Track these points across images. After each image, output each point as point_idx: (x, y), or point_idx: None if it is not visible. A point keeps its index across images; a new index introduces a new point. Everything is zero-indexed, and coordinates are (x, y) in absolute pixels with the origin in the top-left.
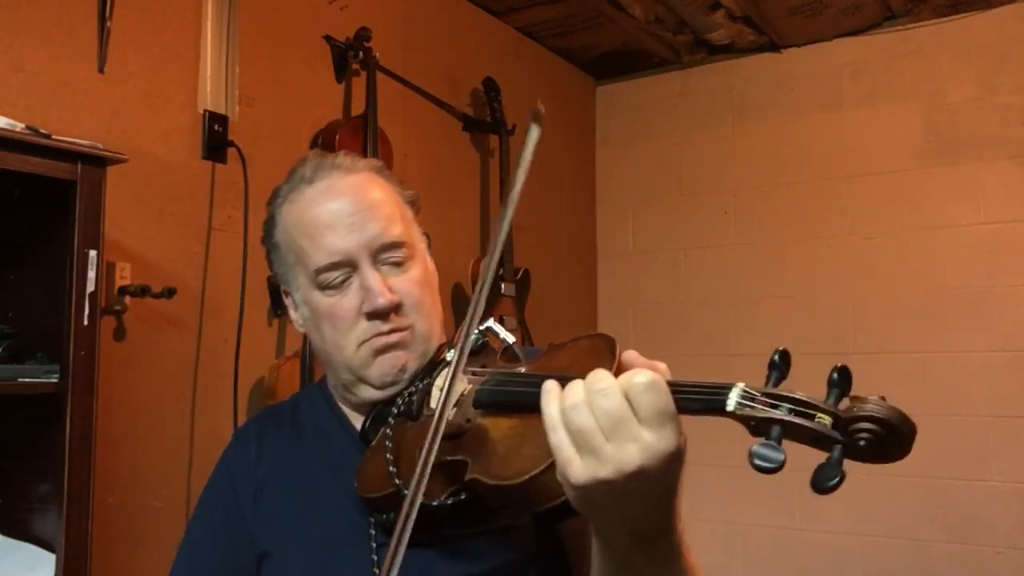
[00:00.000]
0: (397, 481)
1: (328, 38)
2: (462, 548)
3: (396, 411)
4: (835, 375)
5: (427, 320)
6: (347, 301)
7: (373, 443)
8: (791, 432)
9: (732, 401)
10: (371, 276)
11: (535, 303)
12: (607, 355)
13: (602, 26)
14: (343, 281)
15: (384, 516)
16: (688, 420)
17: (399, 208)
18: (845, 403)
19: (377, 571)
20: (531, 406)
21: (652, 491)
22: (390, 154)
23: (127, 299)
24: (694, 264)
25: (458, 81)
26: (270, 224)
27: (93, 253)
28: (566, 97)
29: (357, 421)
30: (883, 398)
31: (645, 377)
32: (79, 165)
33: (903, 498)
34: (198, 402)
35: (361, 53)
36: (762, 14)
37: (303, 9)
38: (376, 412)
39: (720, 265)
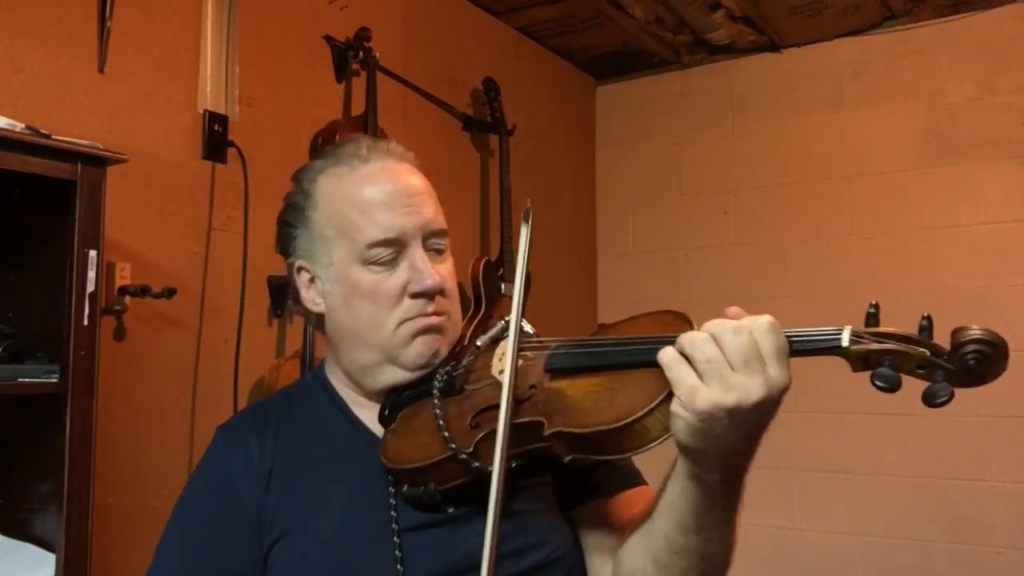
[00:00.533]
0: (452, 446)
1: (328, 38)
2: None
3: (438, 387)
4: (924, 322)
5: (457, 311)
6: (393, 279)
7: (401, 419)
8: (900, 360)
9: (846, 338)
10: (424, 258)
11: (535, 303)
12: (686, 324)
13: (602, 26)
14: (392, 259)
15: (422, 488)
16: None
17: (436, 200)
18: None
19: (398, 542)
20: (618, 364)
21: (758, 424)
22: None
23: (127, 299)
24: (694, 264)
25: (458, 81)
26: (300, 198)
27: (93, 253)
28: (566, 97)
29: (360, 409)
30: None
31: (768, 320)
32: (79, 165)
33: (903, 498)
34: (198, 402)
35: (361, 53)
36: (762, 14)
37: (303, 9)
38: (396, 397)
39: (720, 265)
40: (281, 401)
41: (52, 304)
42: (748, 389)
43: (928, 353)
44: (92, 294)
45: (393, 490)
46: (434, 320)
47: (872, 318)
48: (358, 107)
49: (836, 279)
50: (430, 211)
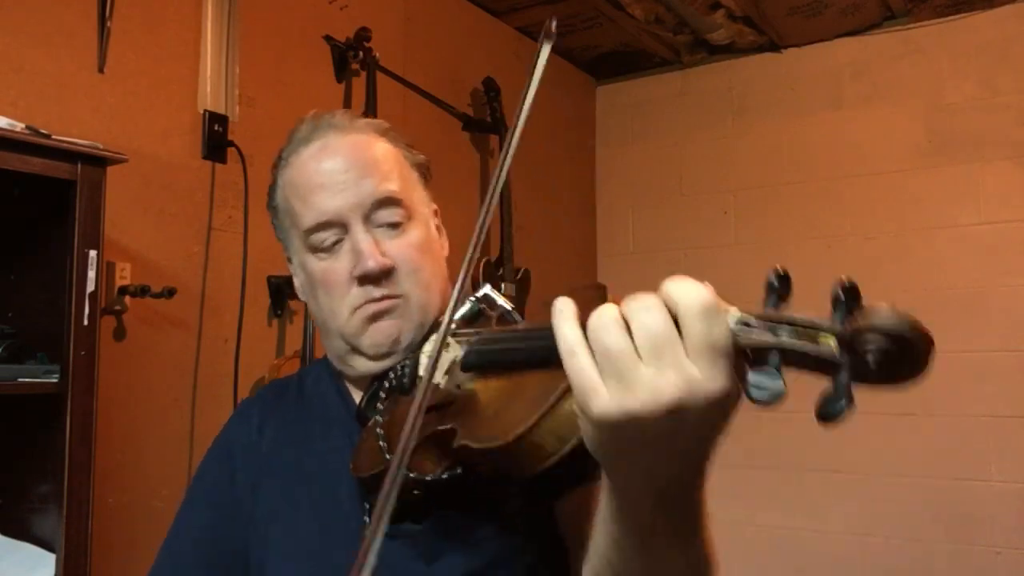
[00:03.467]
0: (387, 456)
1: (328, 38)
2: (453, 534)
3: (388, 385)
4: (840, 292)
5: (424, 289)
6: (339, 264)
7: (365, 429)
8: (792, 358)
9: (731, 321)
10: (362, 238)
11: (535, 303)
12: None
13: (602, 26)
14: (334, 243)
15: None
16: None
17: (400, 167)
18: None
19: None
20: (522, 361)
21: (686, 437)
22: None
23: (127, 299)
24: (694, 264)
25: (458, 81)
26: (272, 188)
27: (93, 253)
28: (566, 97)
29: (359, 396)
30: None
31: (701, 298)
32: (79, 165)
33: (903, 498)
34: (198, 402)
35: (361, 53)
36: (762, 14)
37: (303, 9)
38: (372, 390)
39: (720, 265)
40: (296, 382)
41: (52, 304)
42: (657, 389)
43: (833, 345)
44: (92, 294)
45: (367, 503)
46: (384, 304)
47: (775, 292)
48: (358, 107)
49: (836, 279)
50: (371, 182)
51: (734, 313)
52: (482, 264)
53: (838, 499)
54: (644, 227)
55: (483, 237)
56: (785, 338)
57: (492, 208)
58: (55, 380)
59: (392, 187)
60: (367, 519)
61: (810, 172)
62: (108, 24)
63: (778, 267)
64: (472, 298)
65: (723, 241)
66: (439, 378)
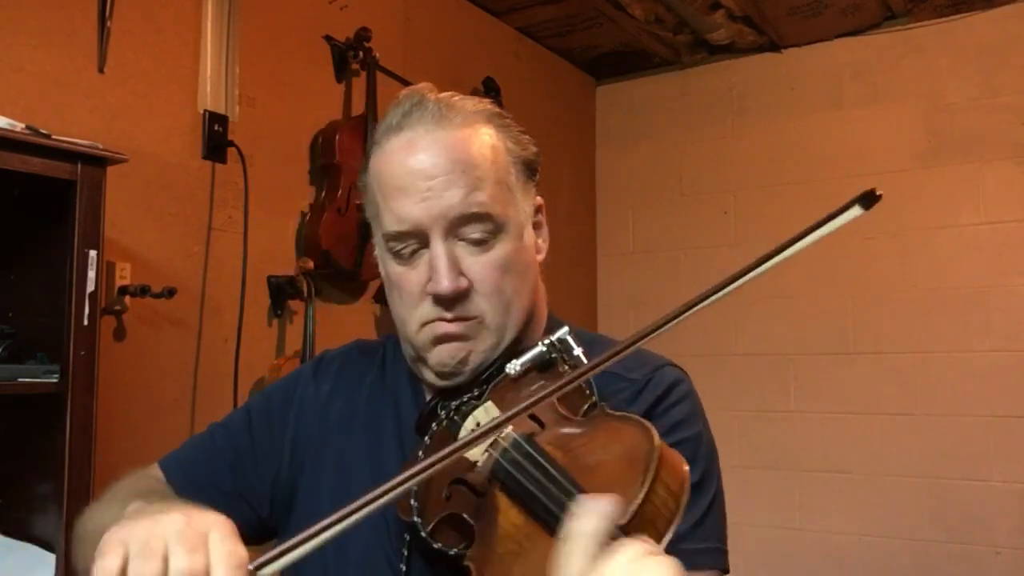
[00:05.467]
0: (415, 519)
1: (328, 38)
2: None
3: (436, 426)
4: None
5: (503, 311)
6: (415, 275)
7: (414, 449)
8: None
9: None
10: (440, 254)
11: None
12: (639, 470)
13: (602, 26)
14: (413, 252)
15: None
16: None
17: (498, 171)
18: None
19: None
20: (539, 515)
21: None
22: None
23: (127, 299)
24: (694, 264)
25: (458, 81)
26: (364, 162)
27: (93, 253)
28: (566, 97)
29: (430, 392)
30: None
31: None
32: (79, 165)
33: (903, 498)
34: (198, 402)
35: (361, 53)
36: (762, 14)
37: (303, 9)
38: (431, 406)
39: (720, 265)
40: (381, 353)
41: (52, 304)
42: None
43: None
44: (92, 294)
45: (408, 536)
46: (454, 328)
47: None
48: (358, 107)
49: (836, 279)
50: (454, 194)
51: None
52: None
53: (838, 499)
54: (644, 227)
55: None
56: None
57: None
58: (55, 380)
59: (481, 199)
60: (403, 567)
61: (810, 172)
62: (108, 24)
63: None
64: (546, 343)
65: (723, 241)
66: (479, 454)
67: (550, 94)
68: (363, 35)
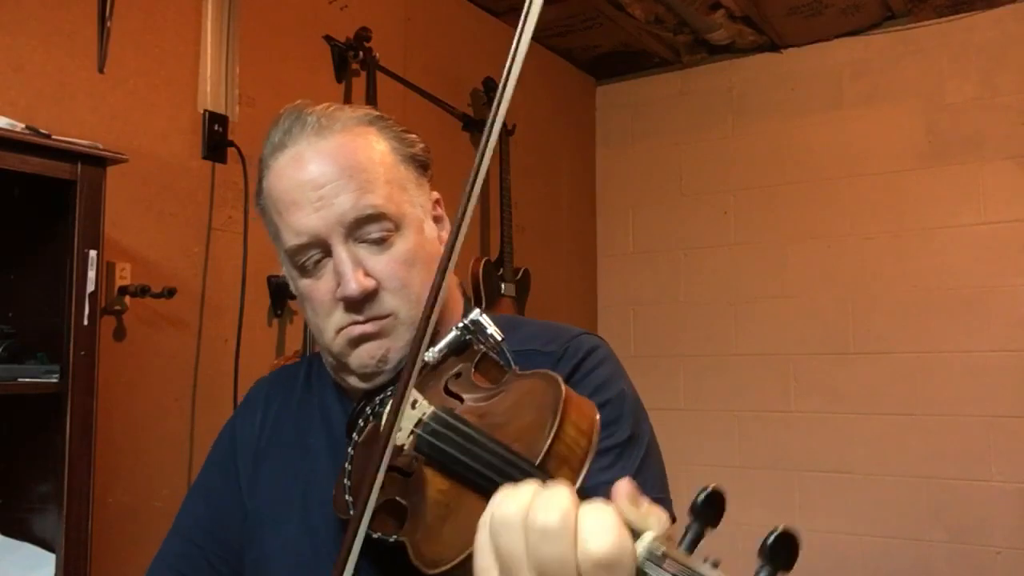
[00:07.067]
0: (350, 512)
1: (328, 38)
2: None
3: (363, 423)
4: (771, 547)
5: (414, 303)
6: (323, 284)
7: (347, 451)
8: None
9: (640, 549)
10: (343, 259)
11: (535, 303)
12: (548, 414)
13: (602, 26)
14: (317, 262)
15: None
16: (684, 415)
17: (387, 170)
18: None
19: None
20: (462, 476)
21: None
22: None
23: (127, 299)
24: (694, 264)
25: (458, 81)
26: (258, 187)
27: (93, 253)
28: (566, 97)
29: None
30: None
31: (607, 547)
32: (79, 165)
33: (903, 498)
34: (198, 402)
35: (361, 53)
36: (762, 14)
37: (303, 9)
38: (359, 408)
39: (720, 265)
40: (304, 370)
41: (52, 304)
42: None
43: None
44: (92, 294)
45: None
46: (369, 328)
47: (700, 520)
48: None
49: (836, 279)
50: (345, 198)
51: (643, 548)
52: (482, 264)
53: (838, 499)
54: (644, 227)
55: (457, 247)
56: None
57: (471, 205)
58: (55, 380)
59: (374, 200)
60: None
61: (810, 172)
62: (108, 24)
63: (710, 487)
64: (459, 326)
65: (723, 241)
66: (404, 437)
67: (550, 94)
68: (363, 35)
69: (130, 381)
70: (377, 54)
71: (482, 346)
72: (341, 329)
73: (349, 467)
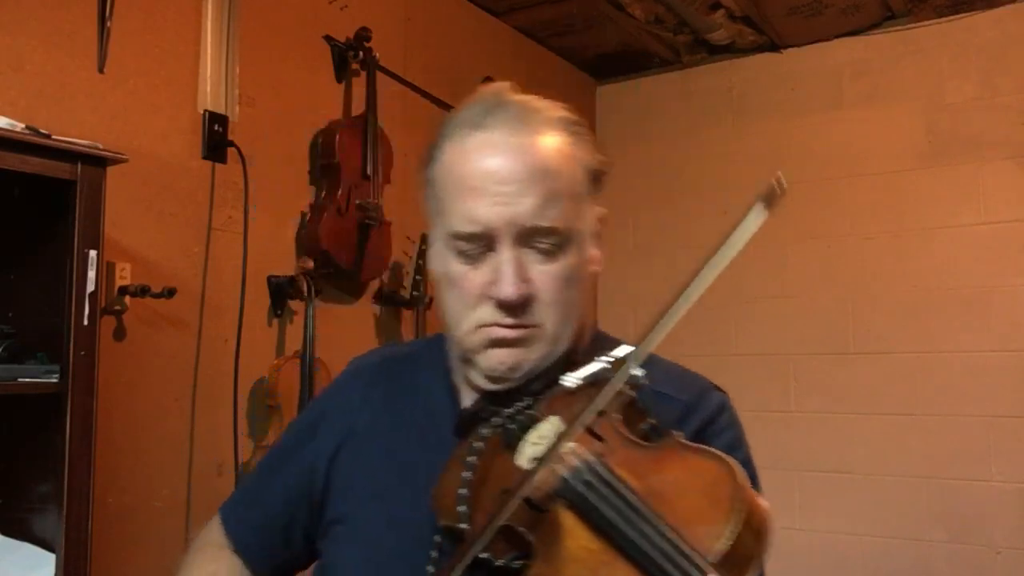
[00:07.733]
0: (462, 525)
1: (328, 38)
2: None
3: (494, 424)
4: None
5: (562, 320)
6: (478, 276)
7: (457, 451)
8: None
9: None
10: (507, 261)
11: None
12: (724, 509)
13: (602, 26)
14: (480, 253)
15: (447, 540)
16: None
17: (572, 184)
18: None
19: None
20: (619, 545)
21: None
22: (390, 154)
23: (127, 299)
24: (694, 264)
25: (458, 81)
26: (433, 151)
27: (93, 253)
28: (566, 97)
29: (468, 396)
30: None
31: None
32: (79, 165)
33: (903, 498)
34: (198, 402)
35: (361, 53)
36: (762, 14)
37: (303, 9)
38: (476, 409)
39: None
40: (412, 359)
41: (52, 304)
42: None
43: None
44: (92, 294)
45: (437, 536)
46: (512, 334)
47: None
48: (358, 107)
49: (836, 279)
50: (529, 203)
51: None
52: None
53: (838, 499)
54: (644, 227)
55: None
56: None
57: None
58: (55, 380)
59: (553, 214)
60: (438, 537)
61: (810, 172)
62: (108, 24)
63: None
64: (604, 360)
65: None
66: (544, 470)
67: (550, 94)
68: (363, 35)
69: (130, 381)
70: (377, 54)
71: (621, 383)
72: (482, 326)
73: (468, 475)
